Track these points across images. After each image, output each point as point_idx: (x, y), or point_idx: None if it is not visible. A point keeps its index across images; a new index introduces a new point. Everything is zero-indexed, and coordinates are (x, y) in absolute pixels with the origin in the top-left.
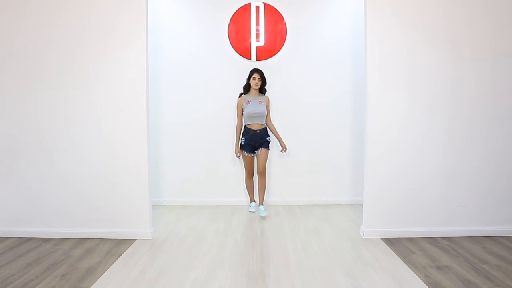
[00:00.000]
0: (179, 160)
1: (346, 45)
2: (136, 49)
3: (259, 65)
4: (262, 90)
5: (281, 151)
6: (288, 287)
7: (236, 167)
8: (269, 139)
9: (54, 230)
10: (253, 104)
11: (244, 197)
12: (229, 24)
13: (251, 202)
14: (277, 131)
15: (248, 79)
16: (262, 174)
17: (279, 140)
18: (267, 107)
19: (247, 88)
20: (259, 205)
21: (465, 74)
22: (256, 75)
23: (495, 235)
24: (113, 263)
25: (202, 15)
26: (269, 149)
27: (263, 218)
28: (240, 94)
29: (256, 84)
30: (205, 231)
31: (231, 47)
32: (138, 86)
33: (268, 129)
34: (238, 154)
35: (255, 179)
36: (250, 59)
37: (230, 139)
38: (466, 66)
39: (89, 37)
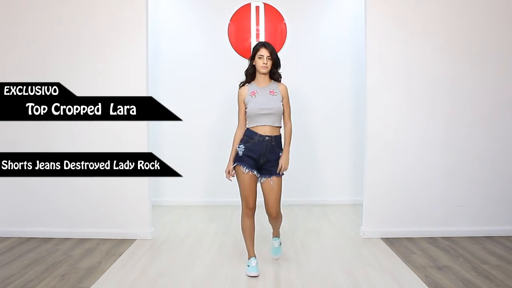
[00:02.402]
0: (179, 160)
1: (347, 44)
2: (136, 49)
3: None
4: (274, 76)
5: (278, 170)
6: (288, 287)
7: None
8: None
9: (54, 230)
10: (261, 96)
11: None
12: (229, 24)
13: (249, 258)
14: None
15: (252, 58)
16: (275, 215)
17: (282, 151)
18: (285, 100)
19: (251, 74)
20: (272, 237)
21: (464, 74)
22: (263, 51)
23: (495, 235)
24: (113, 263)
25: (202, 15)
26: (283, 174)
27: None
28: (242, 84)
29: (265, 65)
30: (205, 231)
31: (231, 47)
32: (138, 86)
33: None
34: (229, 175)
35: (259, 219)
36: None
37: (230, 138)
38: (466, 66)
39: (90, 37)
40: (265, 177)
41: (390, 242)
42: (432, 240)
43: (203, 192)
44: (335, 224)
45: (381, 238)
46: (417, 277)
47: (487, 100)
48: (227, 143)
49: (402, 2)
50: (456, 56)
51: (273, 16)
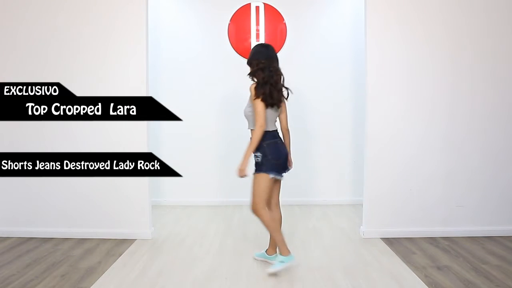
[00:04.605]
0: (179, 160)
1: (347, 44)
2: (136, 49)
3: None
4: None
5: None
6: (288, 287)
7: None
8: (258, 156)
9: (54, 230)
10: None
11: (244, 196)
12: (229, 24)
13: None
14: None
15: None
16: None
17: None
18: (251, 100)
19: None
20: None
21: (464, 73)
22: None
23: (495, 235)
24: (113, 263)
25: (202, 15)
26: (258, 172)
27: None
28: None
29: None
30: (205, 231)
31: (231, 47)
32: (138, 86)
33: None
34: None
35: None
36: None
37: (229, 138)
38: (466, 66)
39: (90, 37)
40: None
41: (390, 242)
42: (432, 240)
43: (203, 192)
44: (335, 224)
45: (381, 238)
46: (417, 277)
47: (487, 100)
48: (226, 143)
49: (402, 2)
50: (457, 56)
51: (273, 16)
